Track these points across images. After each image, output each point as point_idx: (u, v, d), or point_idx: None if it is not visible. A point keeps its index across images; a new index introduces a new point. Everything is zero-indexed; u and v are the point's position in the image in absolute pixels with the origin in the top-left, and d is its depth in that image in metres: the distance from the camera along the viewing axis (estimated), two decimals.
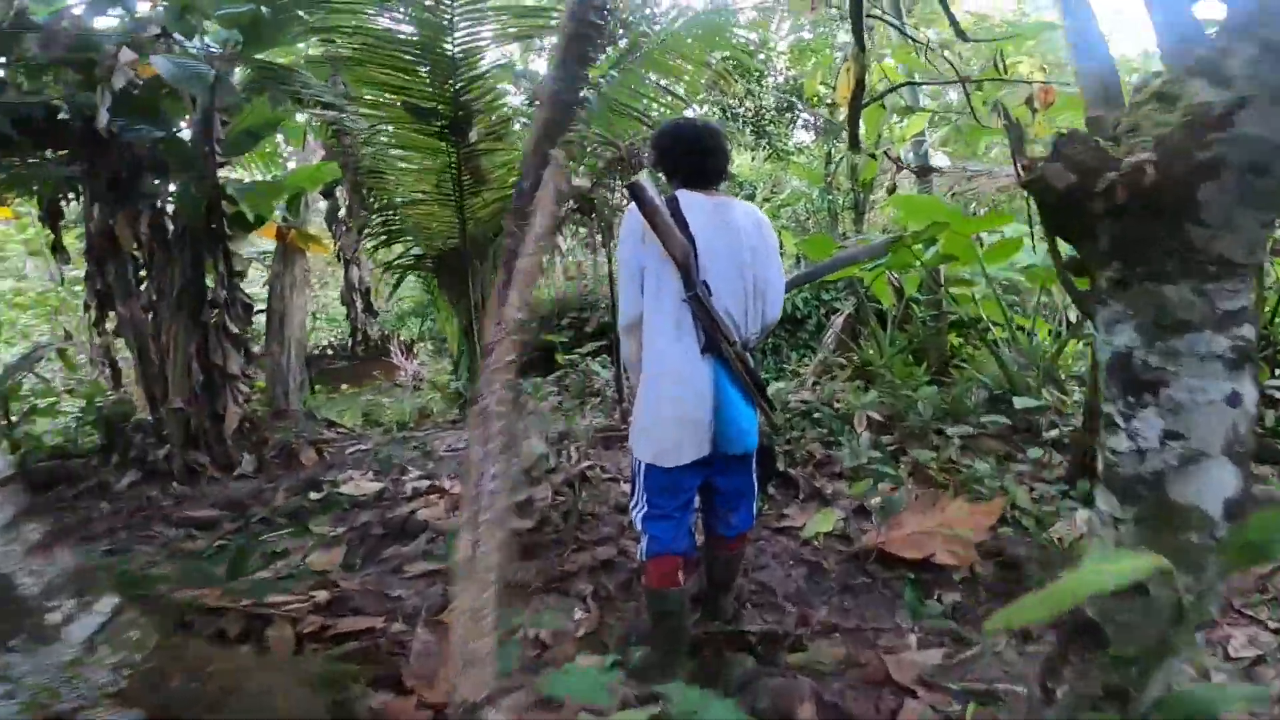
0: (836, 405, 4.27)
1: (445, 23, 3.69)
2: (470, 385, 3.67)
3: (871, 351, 4.98)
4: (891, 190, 4.80)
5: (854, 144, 3.83)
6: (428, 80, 3.83)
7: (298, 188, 5.71)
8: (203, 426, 4.57)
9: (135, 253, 4.70)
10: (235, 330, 4.96)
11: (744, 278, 1.93)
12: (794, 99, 8.27)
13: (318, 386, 8.81)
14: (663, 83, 4.23)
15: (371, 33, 3.95)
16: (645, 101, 4.16)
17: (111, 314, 4.75)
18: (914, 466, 3.37)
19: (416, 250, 4.95)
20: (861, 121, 3.79)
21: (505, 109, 4.10)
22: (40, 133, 4.25)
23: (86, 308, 4.81)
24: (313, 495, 3.83)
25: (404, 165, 4.24)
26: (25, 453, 4.72)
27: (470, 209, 3.73)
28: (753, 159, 15.81)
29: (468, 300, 3.65)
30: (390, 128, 4.31)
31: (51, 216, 4.93)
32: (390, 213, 3.83)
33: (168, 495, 4.09)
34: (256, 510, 3.64)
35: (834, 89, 5.43)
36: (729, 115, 8.06)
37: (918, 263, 4.09)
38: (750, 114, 8.01)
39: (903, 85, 4.14)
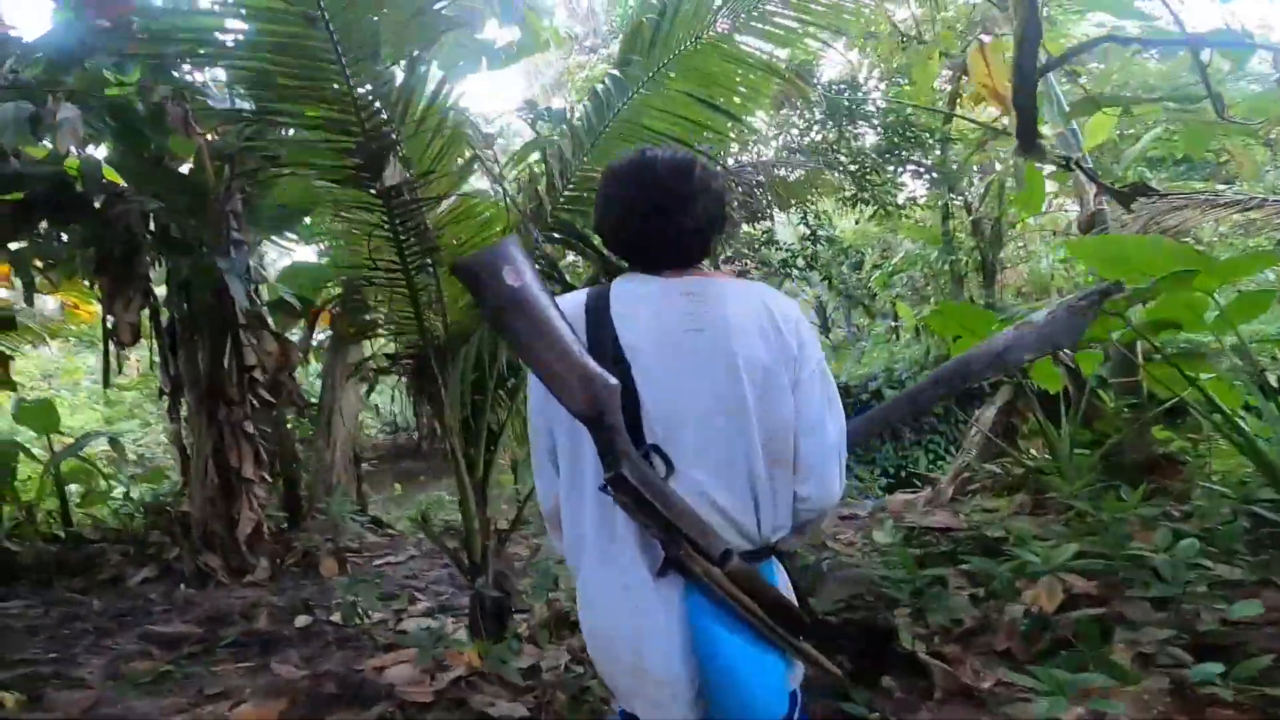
0: (991, 535, 2.89)
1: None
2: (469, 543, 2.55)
3: (1035, 455, 3.54)
4: (1089, 224, 3.36)
5: (1029, 143, 2.58)
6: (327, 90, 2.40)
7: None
8: (216, 529, 4.32)
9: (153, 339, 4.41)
10: (251, 430, 4.43)
11: (739, 433, 1.10)
12: (901, 134, 7.01)
13: (398, 484, 8.36)
14: (709, 98, 2.73)
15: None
16: (688, 127, 2.87)
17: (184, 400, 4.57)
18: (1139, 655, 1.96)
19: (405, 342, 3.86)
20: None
21: (462, 151, 2.66)
22: (51, 205, 3.86)
23: (161, 393, 4.67)
24: (300, 621, 3.44)
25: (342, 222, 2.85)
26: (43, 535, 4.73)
27: (425, 290, 2.47)
28: (856, 220, 14.58)
29: (447, 420, 2.47)
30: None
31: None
32: (353, 292, 2.83)
33: (168, 599, 3.92)
34: (230, 633, 3.29)
35: (968, 81, 4.07)
36: (819, 157, 6.92)
37: (1114, 334, 2.74)
38: (848, 158, 6.85)
39: (1094, 44, 2.84)
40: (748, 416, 1.08)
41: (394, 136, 2.28)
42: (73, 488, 5.59)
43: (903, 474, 9.81)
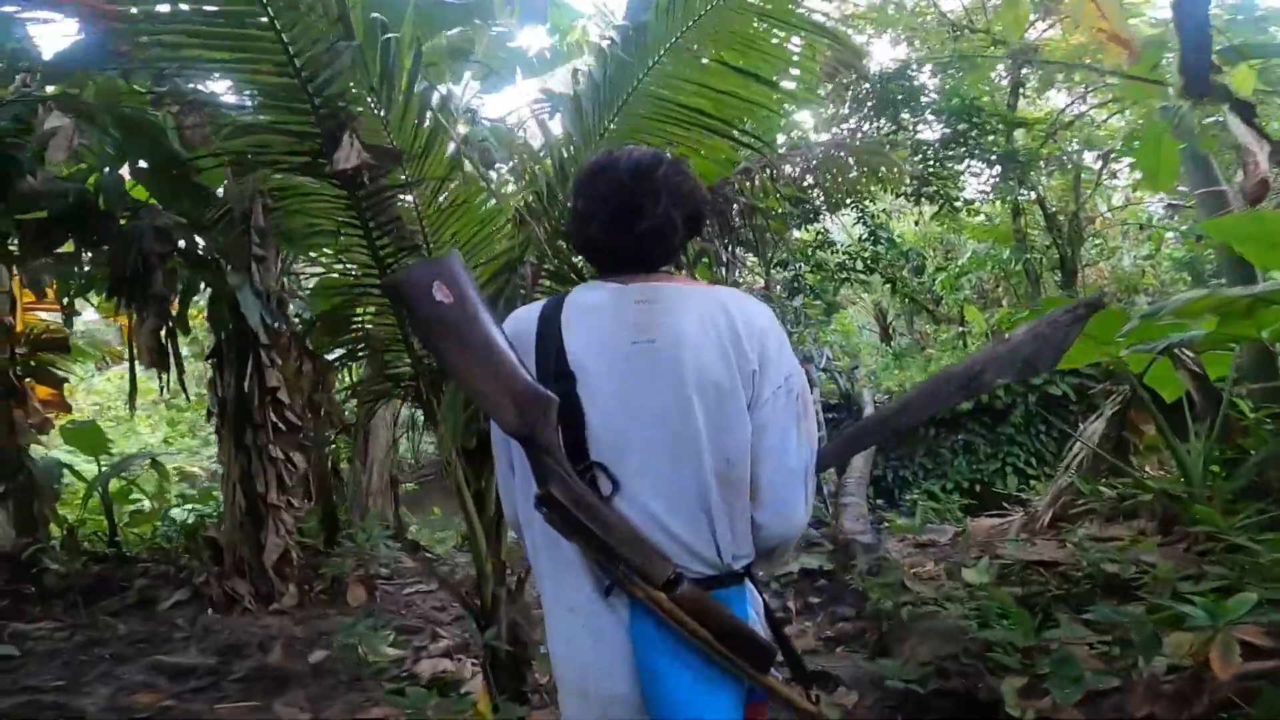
0: (1115, 572, 2.35)
1: None
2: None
3: (1154, 473, 2.94)
4: (1258, 194, 2.71)
5: (1199, 82, 2.06)
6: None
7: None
8: (244, 554, 4.17)
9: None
10: (275, 454, 4.24)
11: (689, 455, 1.02)
12: (968, 120, 6.39)
13: (436, 508, 8.14)
14: (751, 69, 2.25)
15: None
16: (731, 105, 2.28)
17: None
18: None
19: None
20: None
21: (441, 132, 2.17)
22: (73, 222, 3.75)
23: (208, 414, 4.59)
24: (315, 656, 3.24)
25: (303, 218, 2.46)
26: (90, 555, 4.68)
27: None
28: (916, 221, 13.81)
29: (445, 450, 2.07)
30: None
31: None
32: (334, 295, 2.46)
33: (192, 625, 3.75)
34: (242, 666, 3.13)
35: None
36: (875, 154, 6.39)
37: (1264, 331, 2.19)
38: (908, 151, 6.30)
39: None
40: (698, 437, 1.02)
41: (348, 111, 1.92)
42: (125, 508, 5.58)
43: (977, 489, 9.04)
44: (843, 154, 3.54)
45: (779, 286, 7.27)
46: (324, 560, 4.59)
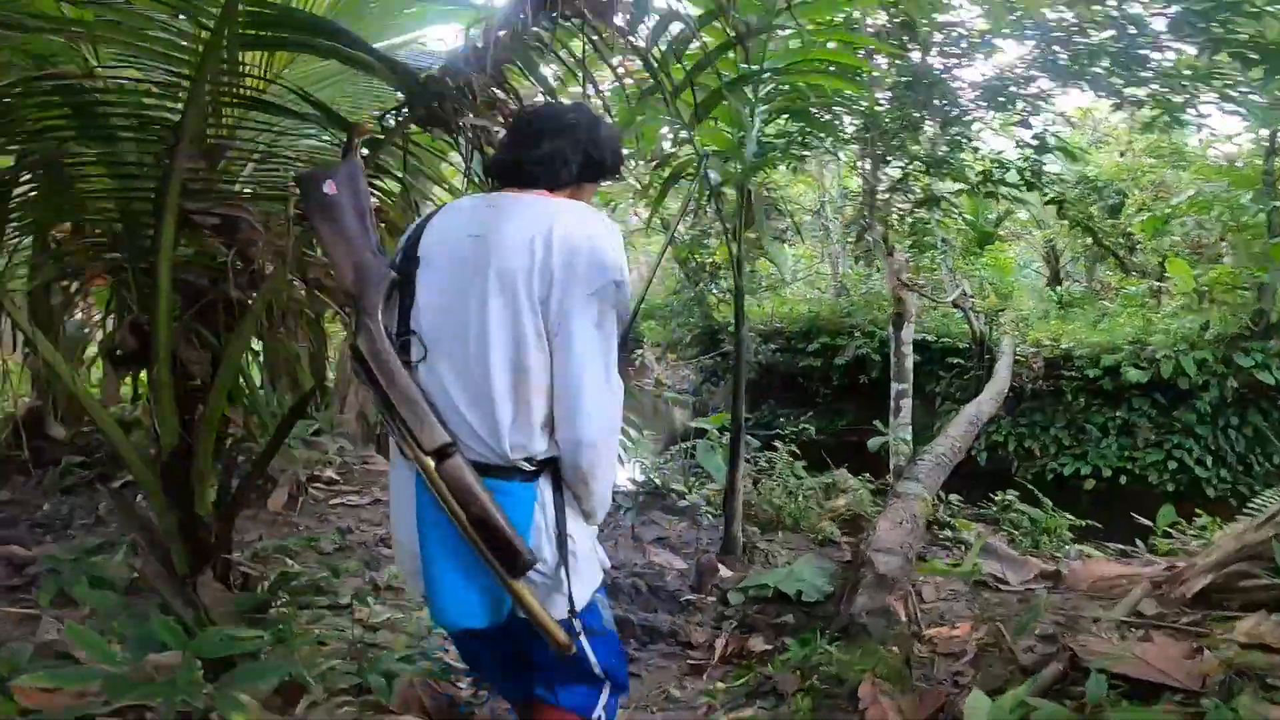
0: None
1: None
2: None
3: None
4: None
5: None
6: None
7: None
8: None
9: None
10: None
11: (480, 341, 1.13)
12: None
13: None
14: None
15: None
16: None
17: None
18: None
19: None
20: None
21: None
22: None
23: None
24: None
25: None
26: None
27: None
28: (1123, 152, 10.94)
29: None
30: None
31: None
32: None
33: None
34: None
35: None
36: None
37: None
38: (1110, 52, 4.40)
39: None
40: (488, 326, 1.12)
41: None
42: None
43: (1121, 480, 7.21)
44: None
45: (882, 186, 5.75)
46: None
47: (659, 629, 2.38)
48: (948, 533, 3.43)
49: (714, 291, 11.50)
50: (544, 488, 1.16)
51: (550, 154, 1.23)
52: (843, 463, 5.21)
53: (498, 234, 1.13)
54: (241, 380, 1.99)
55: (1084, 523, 4.05)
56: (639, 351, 13.54)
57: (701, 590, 2.72)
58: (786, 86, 3.11)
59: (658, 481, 4.13)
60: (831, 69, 3.25)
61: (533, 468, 1.14)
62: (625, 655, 1.38)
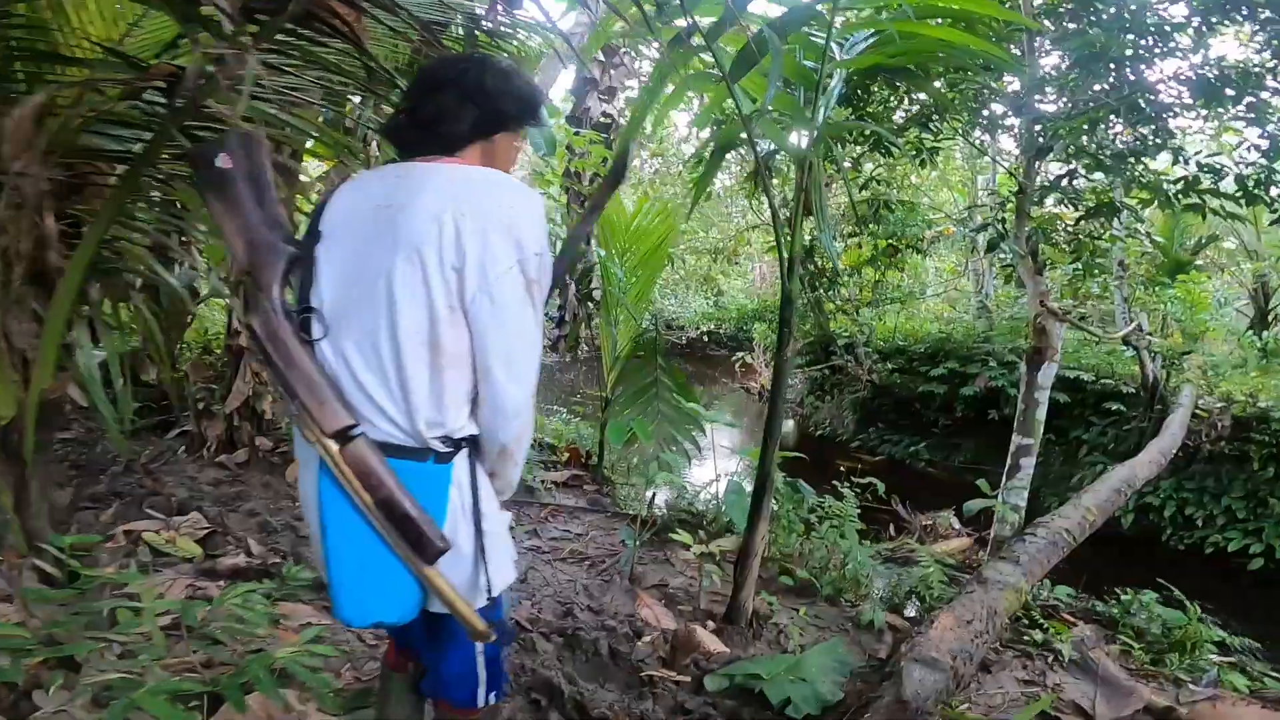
0: None
1: None
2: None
3: None
4: None
5: None
6: None
7: None
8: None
9: None
10: None
11: (386, 315, 1.06)
12: None
13: None
14: None
15: None
16: None
17: None
18: None
19: None
20: None
21: None
22: None
23: None
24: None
25: None
26: None
27: None
28: None
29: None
30: None
31: None
32: None
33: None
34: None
35: None
36: None
37: None
38: None
39: None
40: (396, 300, 1.05)
41: None
42: None
43: None
44: None
45: (1037, 180, 4.64)
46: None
47: (589, 710, 1.81)
48: (1038, 633, 2.54)
49: (832, 299, 10.53)
50: (460, 467, 1.10)
51: (436, 112, 1.14)
52: (955, 501, 4.30)
53: (408, 205, 1.07)
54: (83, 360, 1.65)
55: (1240, 638, 2.93)
56: (739, 354, 12.77)
57: (673, 666, 2.12)
58: (882, 34, 2.36)
59: (689, 510, 3.53)
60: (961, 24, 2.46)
61: (448, 448, 1.09)
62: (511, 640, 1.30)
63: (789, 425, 11.90)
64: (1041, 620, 2.61)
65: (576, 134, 5.31)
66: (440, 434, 1.07)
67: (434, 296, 1.04)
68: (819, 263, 10.75)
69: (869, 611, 2.55)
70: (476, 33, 2.35)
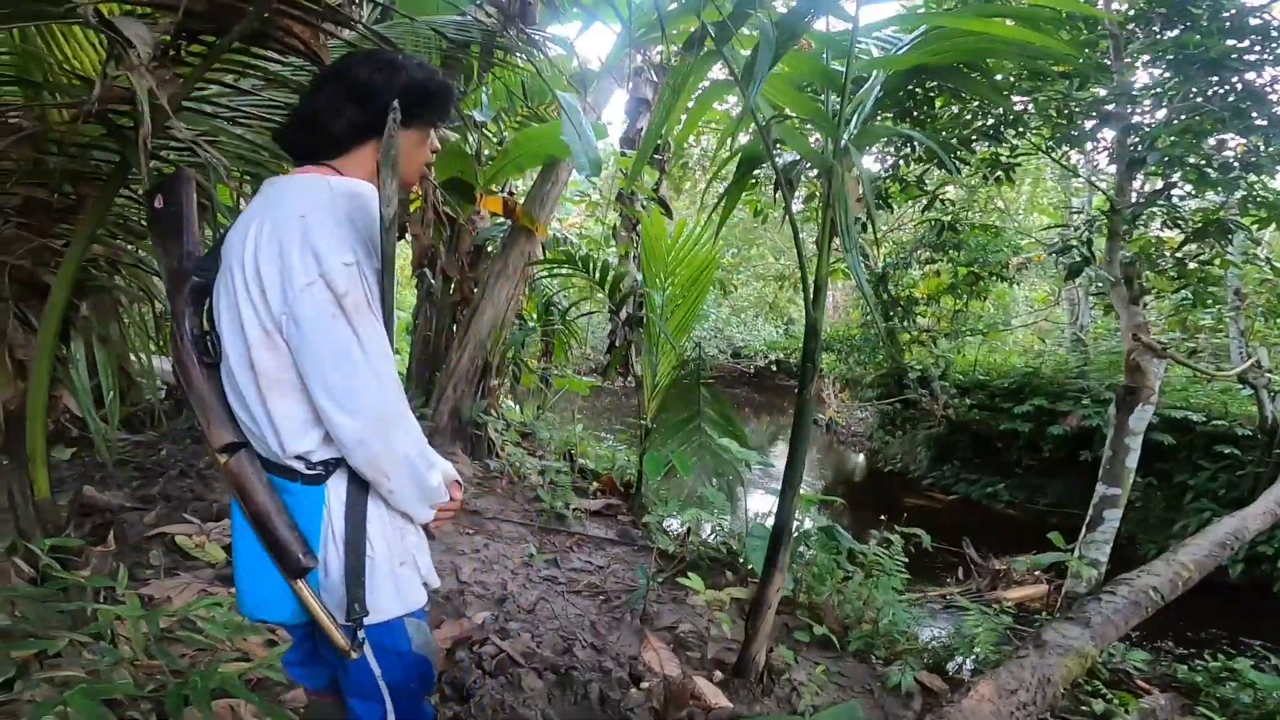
0: None
1: None
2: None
3: None
4: None
5: None
6: None
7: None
8: None
9: None
10: None
11: (232, 342, 1.06)
12: None
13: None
14: None
15: None
16: None
17: None
18: None
19: None
20: None
21: None
22: None
23: None
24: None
25: None
26: None
27: None
28: None
29: None
30: None
31: None
32: None
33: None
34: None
35: None
36: None
37: None
38: None
39: None
40: (224, 326, 1.06)
41: None
42: None
43: None
44: None
45: (1132, 198, 4.16)
46: None
47: None
48: (1099, 703, 2.15)
49: (907, 329, 9.99)
50: (334, 490, 1.07)
51: (312, 111, 1.10)
52: (1036, 546, 3.86)
53: (251, 224, 1.04)
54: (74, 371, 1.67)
55: None
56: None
57: (664, 718, 1.91)
58: (921, 30, 2.15)
59: (720, 550, 3.30)
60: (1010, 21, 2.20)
61: (313, 470, 1.06)
62: (431, 682, 1.22)
63: (858, 460, 11.34)
64: (1105, 690, 2.23)
65: (624, 155, 5.27)
66: (296, 455, 1.05)
67: (245, 319, 1.02)
68: (893, 291, 10.31)
69: (897, 674, 2.25)
70: (494, 49, 2.32)
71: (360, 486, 1.08)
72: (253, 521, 1.04)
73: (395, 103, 1.02)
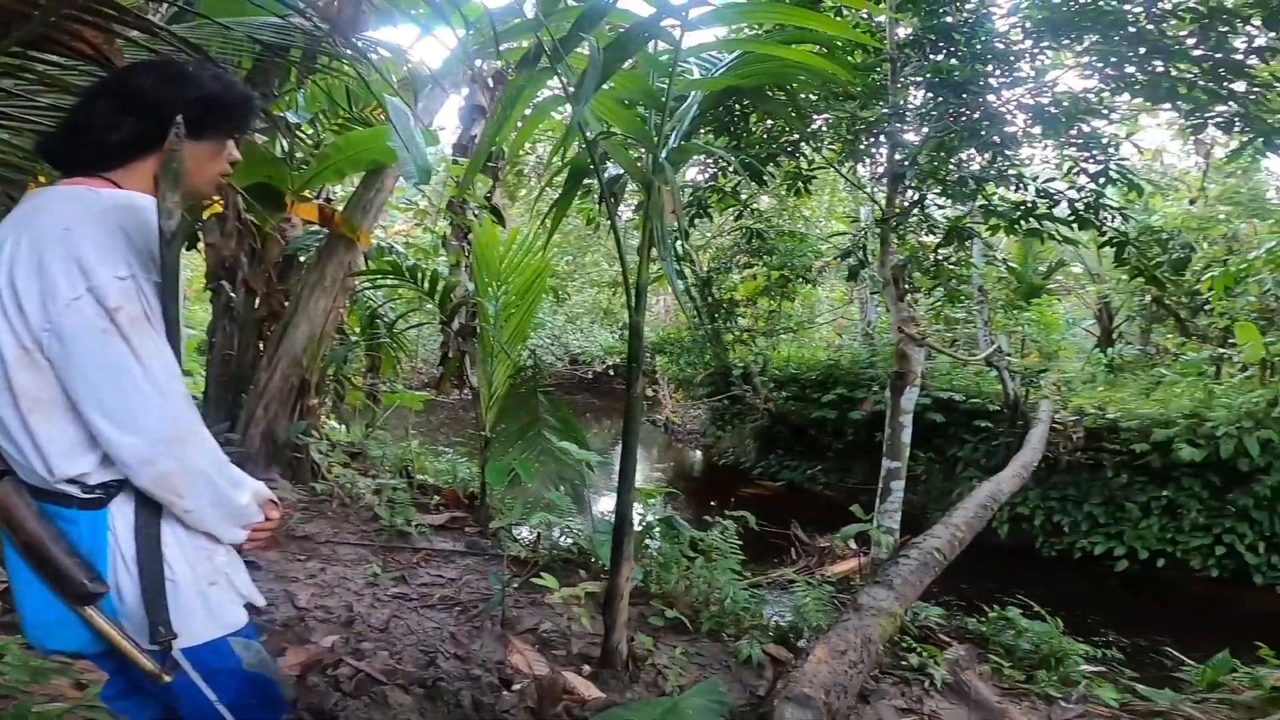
0: None
1: None
2: None
3: None
4: None
5: None
6: None
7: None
8: None
9: None
10: None
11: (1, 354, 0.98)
12: None
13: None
14: None
15: None
16: None
17: None
18: None
19: None
20: None
21: None
22: None
23: None
24: None
25: None
26: None
27: None
28: (1193, 200, 9.74)
29: None
30: None
31: None
32: None
33: None
34: None
35: None
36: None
37: None
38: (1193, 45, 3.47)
39: None
40: (5, 335, 0.98)
41: None
42: None
43: (1159, 564, 6.10)
44: None
45: (896, 214, 4.85)
46: None
47: None
48: (914, 657, 2.54)
49: (730, 329, 10.74)
50: (119, 513, 1.01)
51: (84, 122, 1.04)
52: (849, 522, 4.36)
53: (8, 236, 0.99)
54: None
55: (1102, 652, 3.06)
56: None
57: (541, 715, 1.94)
58: (736, 55, 2.37)
59: (571, 550, 3.36)
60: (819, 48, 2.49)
61: (90, 494, 1.00)
62: (279, 700, 1.18)
63: (696, 456, 11.97)
64: (916, 645, 2.62)
65: (456, 163, 5.16)
66: (69, 479, 0.99)
67: (16, 329, 0.96)
68: (717, 294, 11.03)
69: (747, 648, 2.47)
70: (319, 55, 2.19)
71: (151, 507, 1.02)
72: (24, 552, 0.98)
73: (180, 118, 0.98)
